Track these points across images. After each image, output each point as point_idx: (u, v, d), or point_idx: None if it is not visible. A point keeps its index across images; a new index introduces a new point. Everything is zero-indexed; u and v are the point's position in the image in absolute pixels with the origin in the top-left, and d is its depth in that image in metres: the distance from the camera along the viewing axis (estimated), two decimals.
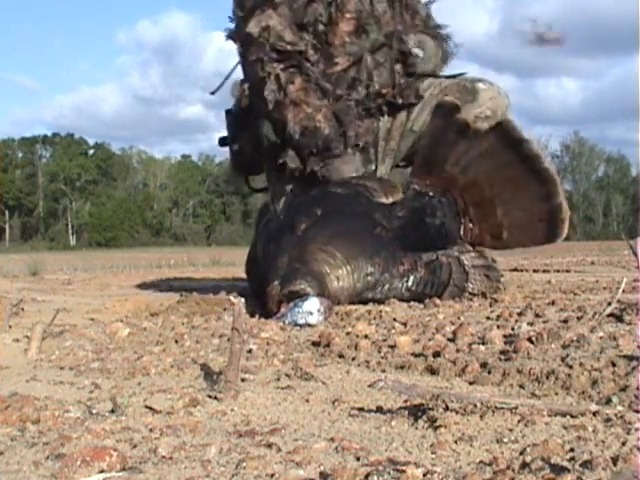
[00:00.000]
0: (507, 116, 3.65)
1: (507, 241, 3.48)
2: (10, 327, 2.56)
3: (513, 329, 2.20)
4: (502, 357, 1.77)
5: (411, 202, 3.46)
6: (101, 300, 3.91)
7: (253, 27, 3.63)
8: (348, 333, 2.31)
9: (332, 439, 1.14)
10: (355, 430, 1.22)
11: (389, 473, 0.92)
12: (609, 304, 2.52)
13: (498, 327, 2.26)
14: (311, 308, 2.66)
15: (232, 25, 3.94)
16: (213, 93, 4.21)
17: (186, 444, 1.12)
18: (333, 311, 2.81)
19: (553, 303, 2.94)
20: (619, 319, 2.30)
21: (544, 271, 5.97)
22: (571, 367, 1.55)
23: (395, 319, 2.60)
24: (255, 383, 1.61)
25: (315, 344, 2.14)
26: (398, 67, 3.74)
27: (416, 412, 1.27)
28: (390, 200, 3.46)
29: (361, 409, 1.35)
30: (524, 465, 0.95)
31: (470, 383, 1.57)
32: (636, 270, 3.40)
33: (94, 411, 1.35)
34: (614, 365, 1.56)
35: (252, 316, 2.87)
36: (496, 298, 3.17)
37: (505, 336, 2.06)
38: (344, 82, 3.64)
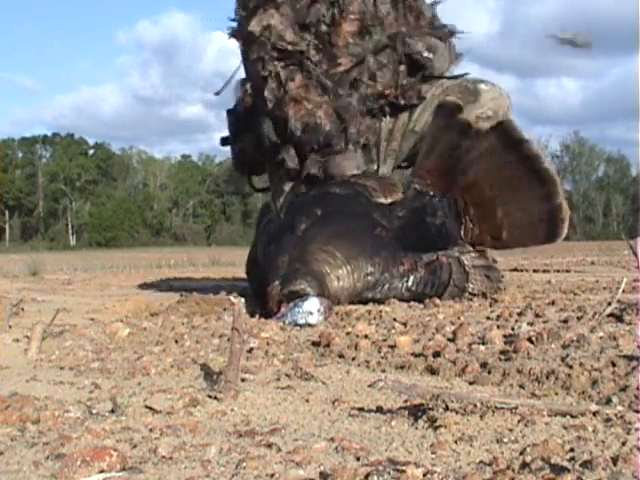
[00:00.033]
0: (508, 116, 3.65)
1: (507, 241, 3.48)
2: (10, 327, 2.56)
3: (513, 329, 2.20)
4: (502, 357, 1.77)
5: (411, 202, 3.46)
6: (101, 300, 3.91)
7: (255, 26, 3.65)
8: (348, 333, 2.31)
9: (332, 439, 1.14)
10: (355, 430, 1.22)
11: (389, 473, 0.92)
12: (609, 304, 2.52)
13: (498, 327, 2.26)
14: (311, 308, 2.66)
15: (234, 24, 3.95)
16: (218, 93, 4.22)
17: (186, 444, 1.12)
18: (333, 311, 2.81)
19: (553, 303, 2.94)
20: (619, 319, 2.30)
21: (544, 271, 5.97)
22: (571, 367, 1.55)
23: (395, 319, 2.60)
24: (255, 383, 1.61)
25: (315, 344, 2.14)
26: (402, 68, 3.75)
27: (416, 412, 1.27)
28: (389, 200, 3.46)
29: (361, 409, 1.35)
30: (524, 465, 0.95)
31: (470, 383, 1.57)
32: (636, 270, 3.40)
33: (94, 411, 1.35)
34: (614, 365, 1.56)
35: (252, 316, 2.87)
36: (496, 298, 3.17)
37: (505, 336, 2.06)
38: (347, 82, 3.65)
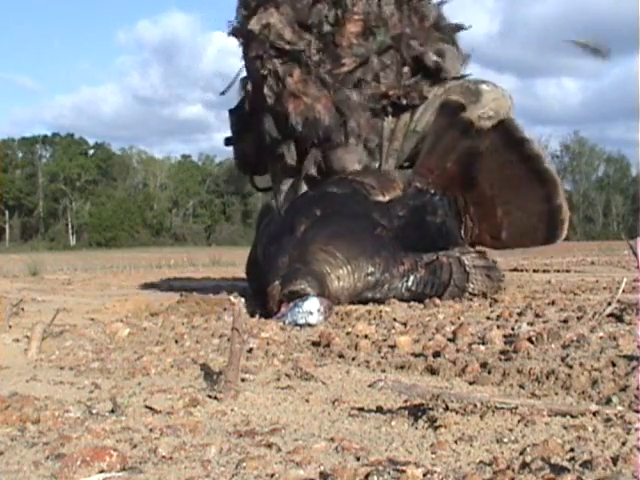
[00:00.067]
0: (510, 116, 3.66)
1: (506, 241, 3.48)
2: (10, 327, 2.56)
3: (513, 329, 2.20)
4: (502, 357, 1.77)
5: (412, 200, 3.46)
6: (101, 300, 3.91)
7: (254, 24, 3.68)
8: (348, 333, 2.31)
9: (332, 439, 1.14)
10: (355, 430, 1.22)
11: (389, 473, 0.92)
12: (609, 304, 2.52)
13: (498, 327, 2.26)
14: (311, 308, 2.66)
15: (235, 23, 3.96)
16: (223, 93, 4.23)
17: (186, 444, 1.12)
18: (333, 311, 2.81)
19: (553, 303, 2.94)
20: (619, 319, 2.30)
21: (544, 271, 5.97)
22: (571, 367, 1.55)
23: (395, 319, 2.60)
24: (255, 383, 1.61)
25: (315, 344, 2.14)
26: (405, 69, 3.77)
27: (416, 412, 1.27)
28: (387, 198, 3.46)
29: (361, 409, 1.35)
30: (524, 465, 0.95)
31: (470, 383, 1.57)
32: (636, 270, 3.40)
33: (94, 411, 1.35)
34: (614, 365, 1.56)
35: (252, 316, 2.87)
36: (496, 298, 3.17)
37: (505, 336, 2.06)
38: (350, 82, 3.67)
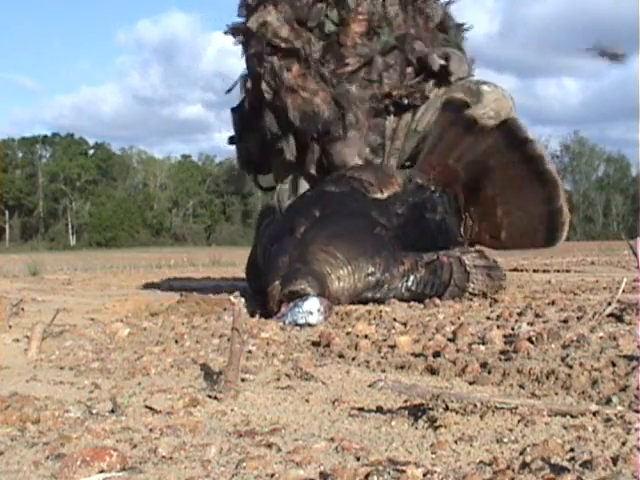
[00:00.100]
0: (513, 116, 3.66)
1: (506, 241, 3.48)
2: (10, 327, 2.56)
3: (513, 329, 2.20)
4: (502, 357, 1.77)
5: (411, 197, 3.45)
6: (101, 300, 3.91)
7: (252, 22, 3.71)
8: (348, 333, 2.31)
9: (332, 439, 1.14)
10: (355, 430, 1.22)
11: (389, 473, 0.92)
12: (609, 304, 2.52)
13: (498, 327, 2.26)
14: (311, 308, 2.66)
15: (236, 22, 3.99)
16: (229, 91, 4.24)
17: (186, 444, 1.12)
18: (333, 311, 2.81)
19: (553, 303, 2.94)
20: (619, 319, 2.30)
21: (544, 271, 5.97)
22: (571, 367, 1.55)
23: (395, 319, 2.60)
24: (255, 383, 1.61)
25: (315, 344, 2.14)
26: (409, 70, 3.78)
27: (416, 412, 1.27)
28: (385, 194, 3.46)
29: (361, 409, 1.35)
30: (524, 465, 0.95)
31: (470, 383, 1.57)
32: (636, 270, 3.40)
33: (94, 411, 1.35)
34: (614, 365, 1.56)
35: (252, 316, 2.87)
36: (496, 298, 3.17)
37: (505, 336, 2.05)
38: (353, 82, 3.69)
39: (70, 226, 52.50)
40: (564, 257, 9.16)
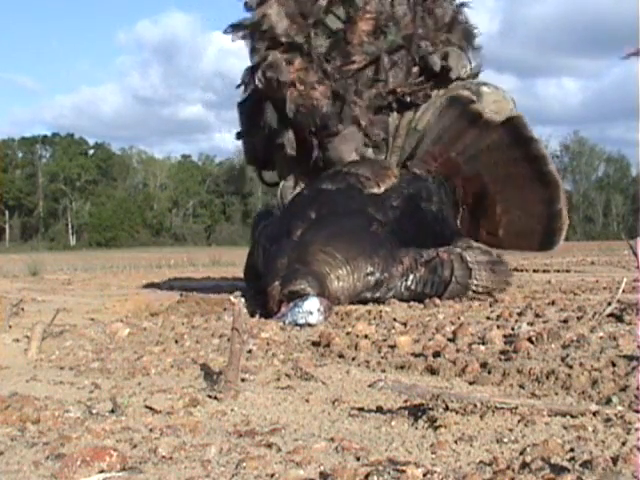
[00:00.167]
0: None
1: (503, 240, 3.48)
2: (10, 327, 2.56)
3: (513, 329, 2.20)
4: (502, 357, 1.77)
5: (405, 188, 3.45)
6: (101, 300, 3.91)
7: (254, 16, 3.74)
8: (348, 333, 2.31)
9: (332, 439, 1.14)
10: (355, 430, 1.22)
11: (389, 473, 0.92)
12: (609, 304, 2.52)
13: (498, 327, 2.26)
14: (311, 308, 2.66)
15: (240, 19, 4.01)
16: (239, 86, 4.25)
17: (186, 444, 1.12)
18: (333, 311, 2.81)
19: (553, 303, 2.94)
20: (619, 319, 2.30)
21: (544, 271, 5.97)
22: (571, 367, 1.55)
23: (395, 319, 2.60)
24: (255, 383, 1.61)
25: (315, 344, 2.14)
26: (415, 69, 3.79)
27: (416, 412, 1.27)
28: (382, 188, 3.45)
29: (361, 409, 1.35)
30: (524, 465, 0.95)
31: (470, 383, 1.57)
32: (636, 270, 3.40)
33: (94, 411, 1.35)
34: (614, 365, 1.56)
35: (252, 316, 2.87)
36: (496, 298, 3.17)
37: (505, 336, 2.06)
38: (359, 80, 3.71)
39: (70, 226, 52.49)
40: (564, 257, 9.16)
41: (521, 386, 1.51)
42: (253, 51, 3.81)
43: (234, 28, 3.97)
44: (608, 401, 1.32)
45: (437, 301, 3.07)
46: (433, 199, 3.42)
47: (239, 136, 4.35)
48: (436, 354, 1.84)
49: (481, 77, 4.01)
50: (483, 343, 1.96)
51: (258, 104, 3.94)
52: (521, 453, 1.01)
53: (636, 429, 1.10)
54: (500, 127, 3.41)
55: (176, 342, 2.22)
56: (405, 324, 2.45)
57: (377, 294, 3.13)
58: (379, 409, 1.35)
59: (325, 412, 1.36)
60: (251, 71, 3.99)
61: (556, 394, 1.43)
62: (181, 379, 1.68)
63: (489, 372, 1.61)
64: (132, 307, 3.35)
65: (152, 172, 56.10)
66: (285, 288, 2.82)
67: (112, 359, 1.95)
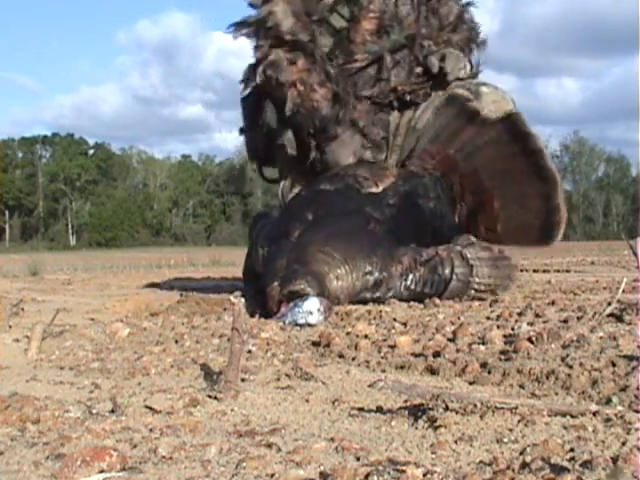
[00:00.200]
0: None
1: (501, 235, 3.47)
2: (10, 327, 2.56)
3: (513, 329, 2.20)
4: (502, 357, 1.77)
5: (402, 186, 3.45)
6: (101, 300, 3.91)
7: (260, 13, 3.75)
8: (348, 333, 2.31)
9: (332, 439, 1.14)
10: (355, 430, 1.22)
11: (389, 473, 0.92)
12: (609, 304, 2.52)
13: (498, 327, 2.26)
14: (311, 308, 2.66)
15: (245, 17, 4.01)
16: (243, 81, 4.25)
17: (186, 444, 1.12)
18: (333, 311, 2.81)
19: (553, 303, 2.94)
20: (619, 319, 2.30)
21: (544, 271, 5.97)
22: (571, 367, 1.55)
23: (395, 319, 2.60)
24: (255, 383, 1.61)
25: (315, 344, 2.14)
26: (418, 70, 3.80)
27: (416, 412, 1.27)
28: (380, 188, 3.46)
29: (361, 409, 1.35)
30: (524, 465, 0.95)
31: (470, 383, 1.57)
32: (636, 270, 3.40)
33: (94, 411, 1.35)
34: (614, 365, 1.56)
35: (252, 316, 2.87)
36: (496, 298, 3.17)
37: (505, 336, 2.06)
38: (362, 79, 3.71)
39: (70, 226, 52.48)
40: (564, 257, 9.16)
41: (521, 386, 1.51)
42: (256, 48, 3.81)
43: (237, 26, 3.96)
44: (608, 401, 1.32)
45: (437, 301, 3.07)
46: (430, 195, 3.42)
47: (242, 131, 4.36)
48: (436, 354, 1.85)
49: (481, 77, 4.01)
50: (483, 343, 1.97)
51: (259, 101, 3.95)
52: (521, 453, 1.01)
53: (636, 429, 1.10)
54: (498, 123, 3.42)
55: (176, 342, 2.22)
56: (405, 324, 2.45)
57: (377, 294, 3.12)
58: (379, 409, 1.35)
59: (325, 412, 1.36)
60: (253, 68, 4.00)
61: (556, 394, 1.43)
62: (181, 379, 1.68)
63: (489, 372, 1.61)
64: (132, 307, 3.35)
65: (152, 172, 56.09)
66: (285, 288, 2.82)
67: (112, 359, 1.95)
